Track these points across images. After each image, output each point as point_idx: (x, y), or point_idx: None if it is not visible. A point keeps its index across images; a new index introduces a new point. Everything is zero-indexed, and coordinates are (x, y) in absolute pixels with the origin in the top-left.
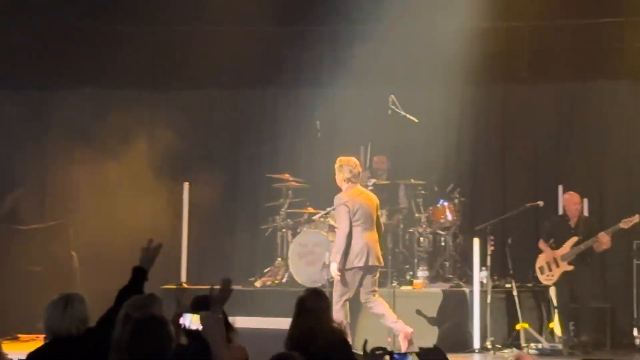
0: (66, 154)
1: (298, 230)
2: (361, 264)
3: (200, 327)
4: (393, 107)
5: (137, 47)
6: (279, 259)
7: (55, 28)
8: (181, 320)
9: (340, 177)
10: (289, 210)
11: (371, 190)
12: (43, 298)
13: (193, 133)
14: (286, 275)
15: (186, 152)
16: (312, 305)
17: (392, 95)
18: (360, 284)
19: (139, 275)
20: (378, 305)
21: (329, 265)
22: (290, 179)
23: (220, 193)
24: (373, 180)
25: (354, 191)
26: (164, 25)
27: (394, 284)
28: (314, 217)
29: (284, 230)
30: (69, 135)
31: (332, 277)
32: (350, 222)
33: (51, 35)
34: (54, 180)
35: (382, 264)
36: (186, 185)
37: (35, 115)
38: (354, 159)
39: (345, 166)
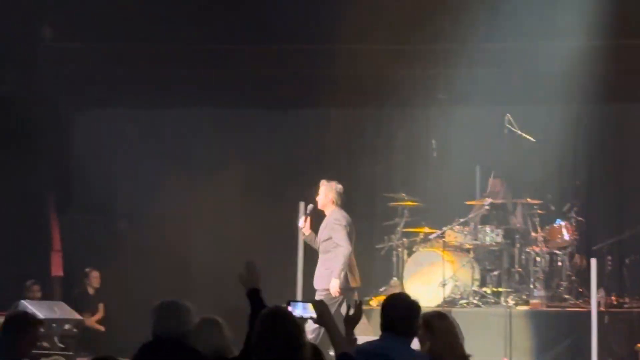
0: (182, 172)
1: (413, 250)
2: (357, 284)
3: (314, 315)
4: (509, 126)
5: (253, 67)
6: (395, 279)
7: (175, 49)
8: (291, 309)
9: (327, 199)
10: (404, 230)
11: (487, 210)
12: None
13: (308, 152)
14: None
15: (304, 171)
16: (437, 328)
17: (509, 115)
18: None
19: (254, 297)
20: None
21: (444, 284)
22: (406, 198)
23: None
24: (489, 200)
25: (343, 213)
26: (278, 44)
27: (510, 304)
28: (429, 237)
29: (399, 249)
30: (185, 154)
31: (449, 297)
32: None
33: (169, 56)
34: (170, 201)
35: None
36: (302, 204)
37: (152, 135)
38: (339, 184)
39: (333, 189)
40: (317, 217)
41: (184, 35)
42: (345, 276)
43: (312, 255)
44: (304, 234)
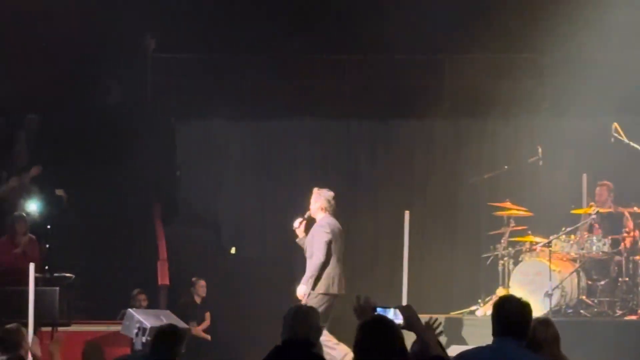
0: (285, 182)
1: (519, 259)
2: (335, 291)
3: (402, 321)
4: (616, 134)
5: (353, 77)
6: (500, 288)
7: (276, 60)
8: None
9: (317, 206)
10: (510, 239)
11: (594, 219)
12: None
13: (412, 161)
14: None
15: (407, 180)
16: (542, 336)
17: (616, 123)
18: (327, 312)
19: None
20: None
21: (550, 294)
22: (512, 207)
23: (441, 221)
24: (596, 209)
25: (331, 220)
26: (381, 55)
27: (617, 314)
28: (535, 246)
29: (505, 259)
30: (288, 165)
31: (555, 306)
32: (329, 252)
33: (270, 67)
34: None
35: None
36: (407, 213)
37: (256, 147)
38: (330, 192)
39: (322, 196)
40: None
41: (286, 47)
42: (338, 283)
43: (419, 260)
44: (297, 237)
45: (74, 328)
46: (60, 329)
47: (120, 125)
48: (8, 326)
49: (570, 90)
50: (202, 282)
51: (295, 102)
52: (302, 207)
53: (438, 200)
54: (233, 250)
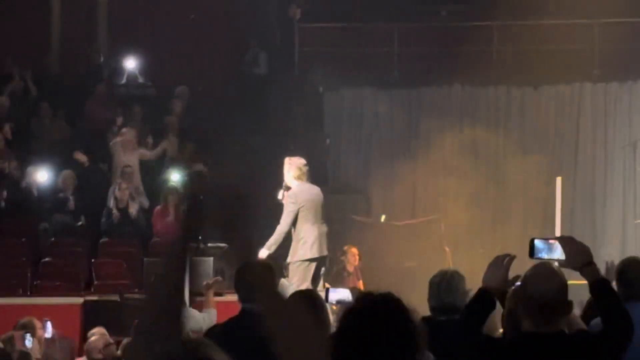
0: (434, 151)
1: None
2: (316, 254)
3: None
4: None
5: (502, 44)
6: None
7: (418, 28)
8: None
9: (290, 176)
10: None
11: None
12: (417, 293)
13: (563, 128)
14: None
15: (556, 146)
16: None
17: None
18: (315, 275)
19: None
20: None
21: None
22: None
23: (591, 187)
24: None
25: (304, 187)
26: (526, 19)
27: None
28: None
29: None
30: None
31: None
32: (295, 219)
33: (421, 34)
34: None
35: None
36: (559, 179)
37: (405, 114)
38: (301, 159)
39: (294, 165)
40: None
41: (434, 13)
42: (319, 245)
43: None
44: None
45: (226, 298)
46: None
47: (268, 96)
48: None
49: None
50: (354, 250)
51: (443, 69)
52: (450, 170)
53: (588, 165)
54: (383, 219)
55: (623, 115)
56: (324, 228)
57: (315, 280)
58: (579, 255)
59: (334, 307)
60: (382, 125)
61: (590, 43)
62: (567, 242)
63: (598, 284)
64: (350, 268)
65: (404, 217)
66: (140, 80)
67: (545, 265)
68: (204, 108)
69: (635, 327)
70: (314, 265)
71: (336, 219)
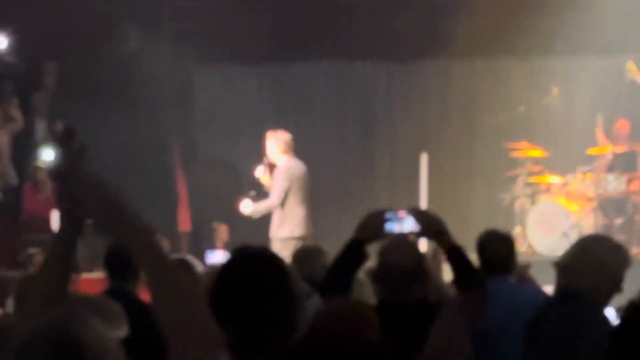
0: (302, 126)
1: (536, 200)
2: (300, 233)
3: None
4: (630, 73)
5: (372, 18)
6: (518, 228)
7: (294, 2)
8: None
9: (277, 151)
10: (526, 180)
11: (611, 159)
12: None
13: (428, 103)
14: (525, 245)
15: (423, 122)
16: None
17: (630, 62)
18: None
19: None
20: None
21: (567, 234)
22: (528, 147)
23: (457, 163)
24: (612, 152)
25: (294, 164)
26: None
27: (635, 252)
28: (552, 186)
29: (522, 199)
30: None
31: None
32: (286, 194)
33: (289, 8)
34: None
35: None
36: (424, 155)
37: (275, 90)
38: (287, 133)
39: (280, 140)
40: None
41: None
42: (306, 225)
43: (435, 203)
44: (264, 185)
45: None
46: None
47: (138, 73)
48: None
49: (585, 27)
50: (224, 227)
51: (312, 44)
52: (319, 148)
53: (454, 142)
54: (253, 194)
55: (488, 93)
56: (308, 207)
57: None
58: (432, 225)
59: None
60: (252, 101)
61: (456, 18)
62: (417, 213)
63: (453, 251)
64: (219, 245)
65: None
66: (9, 57)
67: (399, 237)
68: (74, 85)
69: (496, 301)
70: (296, 244)
71: (205, 196)
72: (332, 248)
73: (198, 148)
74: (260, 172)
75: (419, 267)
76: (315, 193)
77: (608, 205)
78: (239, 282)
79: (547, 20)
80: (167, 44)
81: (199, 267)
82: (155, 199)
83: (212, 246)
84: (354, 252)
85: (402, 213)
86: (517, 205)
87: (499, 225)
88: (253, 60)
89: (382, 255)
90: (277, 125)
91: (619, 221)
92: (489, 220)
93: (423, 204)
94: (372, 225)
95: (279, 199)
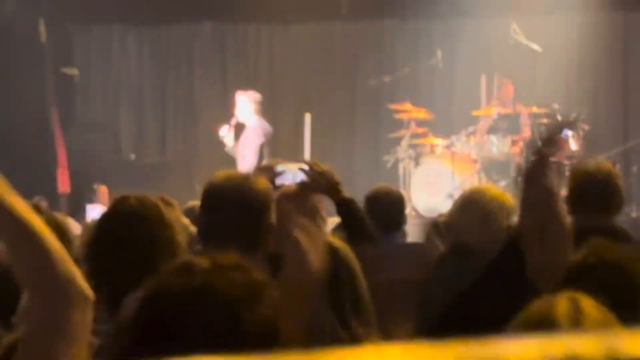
0: (182, 89)
1: (420, 161)
2: None
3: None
4: (515, 35)
5: None
6: (402, 189)
7: None
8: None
9: (249, 110)
10: (410, 141)
11: (495, 121)
12: None
13: (312, 66)
14: (409, 207)
15: (306, 84)
16: None
17: (515, 24)
18: None
19: None
20: None
21: (451, 195)
22: (412, 109)
23: (340, 125)
24: (497, 112)
25: (265, 124)
26: None
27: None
28: (436, 148)
29: (405, 161)
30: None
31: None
32: (262, 156)
33: None
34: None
35: None
36: (307, 116)
37: (154, 52)
38: (257, 93)
39: (251, 99)
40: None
41: None
42: None
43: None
44: (226, 145)
45: None
46: None
47: (16, 34)
48: None
49: None
50: (104, 189)
51: (192, 6)
52: (201, 112)
53: (337, 103)
54: (132, 157)
55: (372, 55)
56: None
57: None
58: (322, 178)
59: None
60: (132, 62)
61: None
62: (308, 166)
63: (344, 204)
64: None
65: (155, 156)
66: None
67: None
68: None
69: (387, 258)
70: None
71: (85, 157)
72: None
73: (77, 109)
74: (224, 132)
75: None
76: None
77: (492, 167)
78: (113, 231)
79: None
80: (44, 4)
81: (75, 227)
82: (33, 161)
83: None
84: None
85: (293, 167)
86: (401, 167)
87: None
88: (133, 22)
89: None
90: (156, 87)
91: (502, 183)
92: (372, 181)
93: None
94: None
95: (255, 158)
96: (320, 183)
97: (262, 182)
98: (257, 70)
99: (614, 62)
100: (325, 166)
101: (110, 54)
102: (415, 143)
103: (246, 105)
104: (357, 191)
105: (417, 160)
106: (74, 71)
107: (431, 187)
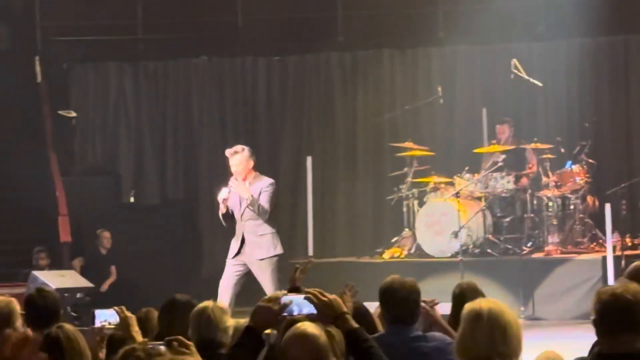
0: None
1: (424, 200)
2: (281, 250)
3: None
4: (516, 71)
5: (248, 13)
6: (406, 230)
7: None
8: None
9: (249, 166)
10: (413, 180)
11: (498, 158)
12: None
13: (310, 99)
14: (414, 246)
15: (306, 123)
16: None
17: (515, 60)
18: None
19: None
20: None
21: (457, 234)
22: (413, 147)
23: (342, 164)
24: (502, 157)
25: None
26: None
27: (524, 251)
28: (439, 187)
29: (409, 199)
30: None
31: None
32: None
33: (165, 6)
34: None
35: None
36: (309, 159)
37: (152, 88)
38: (241, 146)
39: (251, 155)
40: None
41: None
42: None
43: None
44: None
45: None
46: None
47: (11, 72)
48: None
49: (467, 17)
50: (107, 234)
51: (189, 40)
52: (199, 151)
53: (338, 143)
54: (132, 199)
55: (371, 90)
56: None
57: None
58: (330, 308)
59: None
60: (129, 100)
61: (334, 10)
62: (314, 297)
63: (352, 334)
64: (103, 251)
65: (154, 197)
66: None
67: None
68: None
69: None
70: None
71: (85, 203)
72: None
73: (75, 153)
74: (224, 195)
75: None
76: (200, 195)
77: (496, 204)
78: None
79: (428, 10)
80: (39, 42)
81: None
82: (35, 210)
83: (97, 253)
84: (250, 339)
85: (299, 298)
86: (405, 205)
87: (387, 226)
88: (130, 58)
89: (285, 347)
90: (154, 124)
91: (508, 220)
92: (377, 222)
93: (309, 208)
94: (266, 314)
95: (270, 209)
96: (328, 314)
97: None
98: (254, 103)
99: (617, 90)
100: (330, 295)
101: (108, 92)
102: (417, 181)
103: (244, 161)
104: (362, 231)
105: (420, 199)
106: (71, 113)
107: (436, 226)
